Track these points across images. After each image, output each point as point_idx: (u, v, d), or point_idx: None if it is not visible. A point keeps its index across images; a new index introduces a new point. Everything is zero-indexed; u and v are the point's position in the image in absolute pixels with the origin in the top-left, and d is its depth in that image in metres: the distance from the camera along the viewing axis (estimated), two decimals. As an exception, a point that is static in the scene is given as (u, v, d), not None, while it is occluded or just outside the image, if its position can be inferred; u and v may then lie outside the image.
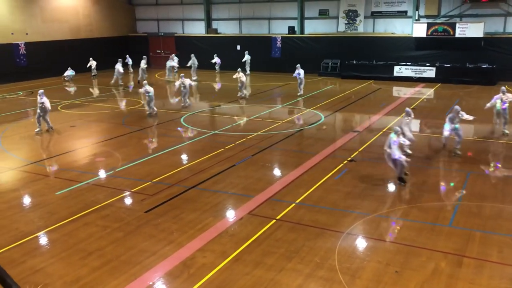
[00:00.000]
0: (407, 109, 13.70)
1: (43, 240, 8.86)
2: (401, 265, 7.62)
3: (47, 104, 16.51)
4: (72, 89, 27.80)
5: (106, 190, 11.19)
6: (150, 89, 18.76)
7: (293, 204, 10.10)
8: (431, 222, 9.19)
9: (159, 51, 37.31)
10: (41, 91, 16.84)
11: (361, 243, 8.51)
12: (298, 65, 23.34)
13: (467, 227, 8.95)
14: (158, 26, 38.13)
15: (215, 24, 35.94)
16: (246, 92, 23.63)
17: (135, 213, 9.87)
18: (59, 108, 21.22)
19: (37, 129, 16.79)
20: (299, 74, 23.09)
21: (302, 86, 23.41)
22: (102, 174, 12.44)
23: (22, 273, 7.48)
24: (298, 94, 23.32)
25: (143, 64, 28.52)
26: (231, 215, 9.81)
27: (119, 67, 27.82)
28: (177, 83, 21.22)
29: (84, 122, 18.49)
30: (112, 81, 27.96)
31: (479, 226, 9.00)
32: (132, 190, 11.11)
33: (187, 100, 21.02)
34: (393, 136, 11.02)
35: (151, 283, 7.30)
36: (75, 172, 12.57)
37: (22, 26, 30.40)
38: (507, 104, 15.43)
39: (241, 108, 21.38)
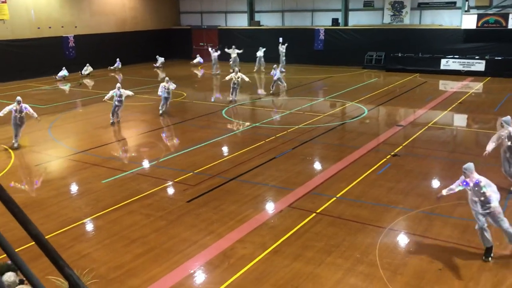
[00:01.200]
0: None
1: (89, 226, 9.18)
2: (445, 263, 7.42)
3: (127, 93, 16.91)
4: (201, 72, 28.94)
5: (150, 180, 11.46)
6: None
7: (334, 198, 10.01)
8: (478, 220, 8.88)
9: (202, 44, 37.68)
10: (119, 85, 17.03)
11: (403, 239, 8.35)
12: (275, 65, 23.02)
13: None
14: (201, 19, 38.50)
15: (257, 17, 35.93)
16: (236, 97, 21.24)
17: (177, 202, 10.06)
18: (104, 99, 21.84)
19: (111, 121, 17.03)
20: (275, 74, 22.13)
21: (274, 85, 22.57)
22: (146, 164, 12.74)
23: (70, 257, 7.78)
24: (270, 92, 22.63)
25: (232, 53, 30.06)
26: (270, 207, 9.84)
27: (215, 54, 29.71)
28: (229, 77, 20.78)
29: (129, 113, 18.96)
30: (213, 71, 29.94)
31: (529, 225, 8.63)
32: (174, 180, 11.32)
33: (235, 96, 20.47)
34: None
35: (192, 271, 7.43)
36: (120, 162, 12.93)
37: (71, 20, 31.42)
38: None
39: (283, 101, 21.33)
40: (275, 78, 21.98)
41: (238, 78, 20.00)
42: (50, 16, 30.09)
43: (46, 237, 2.19)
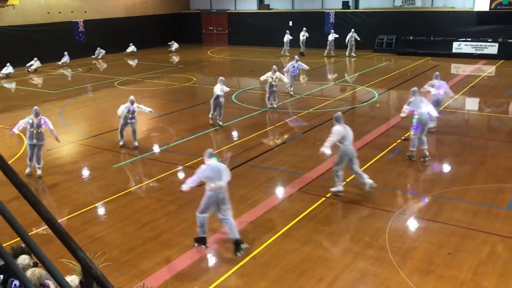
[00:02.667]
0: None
1: (101, 210, 9.29)
2: (455, 247, 7.42)
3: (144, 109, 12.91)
4: (135, 62, 28.60)
5: (160, 164, 11.53)
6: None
7: (344, 183, 9.99)
8: (488, 204, 8.86)
9: (212, 28, 37.50)
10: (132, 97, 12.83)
11: (413, 224, 8.35)
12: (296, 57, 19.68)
13: (527, 211, 8.57)
14: (210, 3, 38.24)
15: (267, 0, 35.58)
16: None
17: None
18: (115, 85, 21.92)
19: (121, 143, 13.02)
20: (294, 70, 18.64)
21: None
22: (156, 148, 12.81)
23: (83, 240, 7.90)
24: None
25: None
26: (281, 191, 9.87)
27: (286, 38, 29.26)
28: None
29: (139, 98, 18.99)
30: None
31: (541, 210, 8.59)
32: (185, 165, 11.38)
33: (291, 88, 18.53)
34: None
35: (202, 255, 7.51)
36: (130, 146, 13.01)
37: (81, 4, 31.36)
38: None
39: (293, 85, 21.19)
40: (294, 73, 18.56)
41: (276, 78, 16.06)
42: (60, 1, 30.06)
43: (58, 221, 2.22)
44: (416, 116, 10.93)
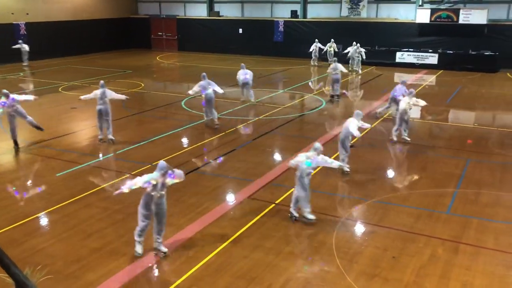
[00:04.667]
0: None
1: (44, 220, 8.94)
2: (399, 250, 7.69)
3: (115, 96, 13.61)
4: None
5: (107, 172, 11.24)
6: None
7: (293, 189, 10.11)
8: (430, 208, 9.25)
9: (161, 34, 37.08)
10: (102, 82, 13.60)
11: (359, 229, 8.59)
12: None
13: (464, 214, 9.02)
14: (160, 8, 37.84)
15: (217, 7, 35.65)
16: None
17: (135, 195, 9.87)
18: (59, 90, 21.20)
19: (100, 137, 13.56)
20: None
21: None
22: (102, 156, 12.48)
23: (23, 253, 7.56)
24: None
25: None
26: (231, 198, 9.87)
27: None
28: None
29: (85, 104, 18.45)
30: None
31: (476, 213, 9.07)
32: (132, 173, 11.15)
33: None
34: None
35: (151, 264, 7.38)
36: (75, 154, 12.61)
37: (22, 6, 30.15)
38: None
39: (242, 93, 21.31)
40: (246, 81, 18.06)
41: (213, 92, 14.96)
42: None
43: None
44: None
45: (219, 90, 14.85)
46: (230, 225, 8.59)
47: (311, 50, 28.04)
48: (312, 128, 15.26)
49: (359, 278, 6.91)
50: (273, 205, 9.39)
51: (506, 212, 9.15)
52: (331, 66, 19.15)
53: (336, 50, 27.75)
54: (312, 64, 28.22)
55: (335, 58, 20.99)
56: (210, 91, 14.68)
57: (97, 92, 13.15)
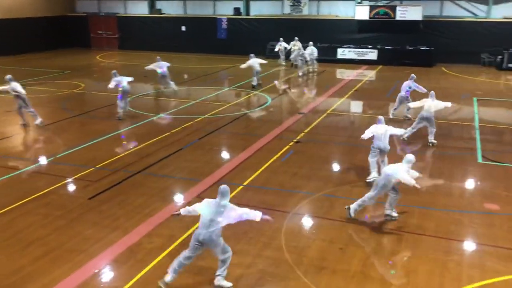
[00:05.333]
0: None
1: (-21, 231, 8.44)
2: (345, 242, 7.88)
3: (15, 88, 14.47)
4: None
5: (47, 177, 10.77)
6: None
7: (241, 187, 10.16)
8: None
9: (101, 32, 35.97)
10: (8, 76, 14.63)
11: (307, 222, 8.72)
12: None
13: (407, 204, 9.37)
14: (98, 6, 36.69)
15: (159, 4, 35.04)
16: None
17: (78, 200, 9.58)
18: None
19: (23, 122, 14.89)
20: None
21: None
22: (42, 160, 11.95)
23: (-43, 266, 7.12)
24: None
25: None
26: (179, 199, 9.74)
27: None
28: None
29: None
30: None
31: (418, 202, 9.45)
32: (74, 177, 10.76)
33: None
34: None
35: (96, 270, 7.15)
36: (13, 159, 12.00)
37: None
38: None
39: (187, 91, 21.11)
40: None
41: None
42: None
43: None
44: None
45: (130, 79, 16.12)
46: (178, 225, 8.47)
47: (276, 49, 27.31)
48: (259, 126, 15.34)
49: (308, 271, 7.02)
50: (222, 203, 9.34)
51: (445, 200, 9.59)
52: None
53: (298, 48, 26.23)
54: (279, 63, 27.70)
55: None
56: (125, 84, 15.77)
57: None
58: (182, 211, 6.83)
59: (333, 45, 28.98)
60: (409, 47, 27.80)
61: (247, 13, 32.61)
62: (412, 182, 7.94)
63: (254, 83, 20.85)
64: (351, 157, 12.22)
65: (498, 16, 27.49)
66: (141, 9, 35.29)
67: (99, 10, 36.63)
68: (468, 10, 28.24)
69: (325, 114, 16.45)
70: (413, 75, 15.95)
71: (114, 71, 16.30)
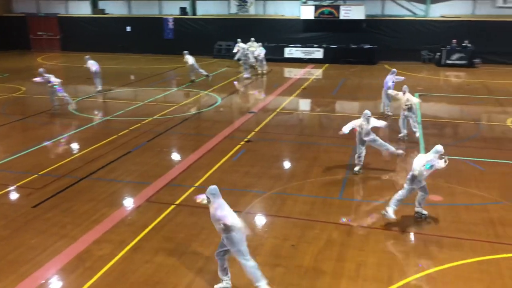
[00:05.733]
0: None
1: None
2: (297, 238, 7.99)
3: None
4: None
5: (-14, 186, 10.24)
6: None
7: (193, 188, 10.07)
8: (323, 196, 9.72)
9: (41, 33, 34.57)
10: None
11: (259, 221, 8.77)
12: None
13: (355, 198, 9.63)
14: (37, 6, 35.25)
15: (102, 4, 34.11)
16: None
17: (21, 208, 9.17)
18: None
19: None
20: None
21: None
22: (-20, 169, 11.36)
23: None
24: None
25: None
26: (128, 203, 9.52)
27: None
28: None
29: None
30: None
31: (366, 196, 9.73)
32: (16, 185, 10.29)
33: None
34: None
35: (43, 281, 6.87)
36: None
37: None
38: None
39: (135, 92, 20.70)
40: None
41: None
42: None
43: None
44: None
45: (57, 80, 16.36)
46: (129, 230, 8.30)
47: (235, 50, 25.63)
48: (209, 126, 15.27)
49: (262, 270, 7.01)
50: (173, 206, 9.23)
51: (391, 193, 9.87)
52: None
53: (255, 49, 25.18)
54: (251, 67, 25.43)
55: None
56: (53, 79, 16.19)
57: None
58: None
59: (280, 44, 29.28)
60: (353, 46, 28.53)
61: (194, 13, 32.38)
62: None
63: (193, 77, 22.09)
64: (300, 155, 12.39)
65: (436, 14, 28.75)
66: (83, 9, 34.26)
67: (38, 10, 35.23)
68: (407, 9, 29.36)
69: (274, 113, 16.60)
70: (394, 69, 16.25)
71: (41, 69, 16.54)
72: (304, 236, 8.08)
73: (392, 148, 11.11)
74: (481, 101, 18.54)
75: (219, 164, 11.50)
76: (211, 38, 30.65)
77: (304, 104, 19.37)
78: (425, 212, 8.78)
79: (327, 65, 27.78)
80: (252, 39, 25.72)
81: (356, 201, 9.48)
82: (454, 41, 26.53)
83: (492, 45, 26.69)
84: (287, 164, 11.90)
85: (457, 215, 8.88)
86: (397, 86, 15.09)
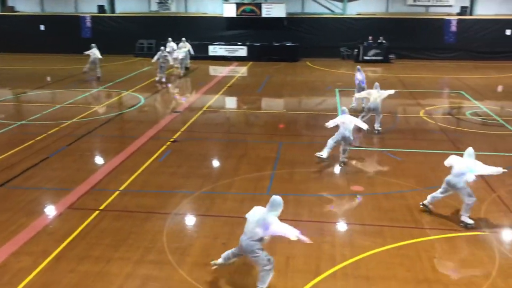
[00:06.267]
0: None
1: None
2: (228, 236, 8.00)
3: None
4: None
5: None
6: None
7: (117, 192, 9.77)
8: (252, 192, 9.82)
9: None
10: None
11: (188, 221, 8.69)
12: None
13: (282, 193, 9.78)
14: None
15: (11, 2, 32.05)
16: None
17: None
18: None
19: None
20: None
21: None
22: None
23: None
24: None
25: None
26: (49, 211, 9.04)
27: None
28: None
29: None
30: None
31: (292, 190, 9.94)
32: None
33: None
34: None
35: (-45, 301, 6.37)
36: None
37: None
38: None
39: (52, 94, 19.68)
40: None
41: None
42: None
43: None
44: None
45: None
46: (51, 239, 7.89)
47: (168, 50, 23.97)
48: (133, 127, 14.89)
49: (193, 270, 7.01)
50: (98, 211, 8.90)
51: (316, 186, 10.23)
52: None
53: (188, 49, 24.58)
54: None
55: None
56: None
57: None
58: None
59: (204, 42, 29.12)
60: (276, 43, 29.00)
61: (112, 11, 31.38)
62: (498, 170, 8.09)
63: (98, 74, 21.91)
64: (228, 153, 12.43)
65: (352, 12, 29.96)
66: (-10, 7, 32.01)
67: None
68: (326, 7, 30.33)
69: (201, 111, 16.50)
70: (358, 66, 17.34)
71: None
72: (235, 234, 8.08)
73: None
74: (396, 95, 19.60)
75: (145, 165, 11.25)
76: (132, 36, 29.83)
77: (230, 102, 19.44)
78: (470, 221, 8.30)
79: (251, 62, 28.05)
80: (183, 39, 25.02)
81: (283, 196, 9.59)
82: (370, 37, 27.81)
83: (405, 41, 28.31)
84: (215, 163, 11.89)
85: (378, 203, 9.34)
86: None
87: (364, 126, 11.55)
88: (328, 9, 30.30)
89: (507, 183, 10.08)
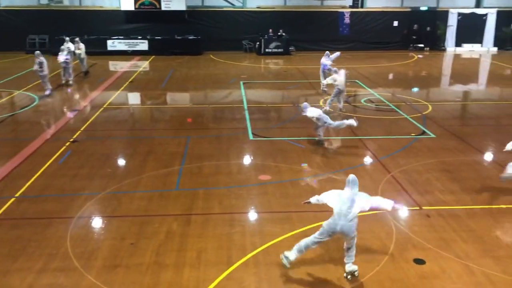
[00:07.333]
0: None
1: None
2: (136, 236, 7.81)
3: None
4: None
5: None
6: None
7: (13, 199, 9.10)
8: (160, 189, 9.66)
9: None
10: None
11: (94, 224, 8.33)
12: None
13: (191, 188, 9.76)
14: None
15: None
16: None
17: None
18: None
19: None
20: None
21: None
22: None
23: None
24: None
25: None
26: None
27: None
28: None
29: None
30: None
31: (202, 184, 9.93)
32: None
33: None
34: None
35: None
36: None
37: None
38: None
39: None
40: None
41: None
42: None
43: None
44: None
45: None
46: None
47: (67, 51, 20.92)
48: (28, 128, 13.91)
49: (101, 273, 6.75)
50: (-9, 221, 8.23)
51: (225, 178, 10.30)
52: None
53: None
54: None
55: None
56: None
57: None
58: (312, 200, 6.98)
59: (102, 37, 27.92)
60: (177, 37, 28.60)
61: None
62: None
63: None
64: (133, 150, 12.09)
65: (252, 5, 30.41)
66: None
67: None
68: (226, 0, 30.44)
69: (101, 109, 15.84)
70: (327, 52, 18.73)
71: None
72: (143, 233, 7.94)
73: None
74: (297, 85, 20.30)
75: (43, 169, 10.59)
76: (22, 32, 27.78)
77: (133, 98, 18.88)
78: None
79: (153, 56, 27.42)
80: (77, 39, 22.37)
81: (193, 190, 9.61)
82: (270, 30, 28.46)
83: (303, 34, 29.37)
84: (120, 161, 11.50)
85: (285, 190, 9.65)
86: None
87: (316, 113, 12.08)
88: (229, 2, 30.45)
89: (401, 164, 10.93)
